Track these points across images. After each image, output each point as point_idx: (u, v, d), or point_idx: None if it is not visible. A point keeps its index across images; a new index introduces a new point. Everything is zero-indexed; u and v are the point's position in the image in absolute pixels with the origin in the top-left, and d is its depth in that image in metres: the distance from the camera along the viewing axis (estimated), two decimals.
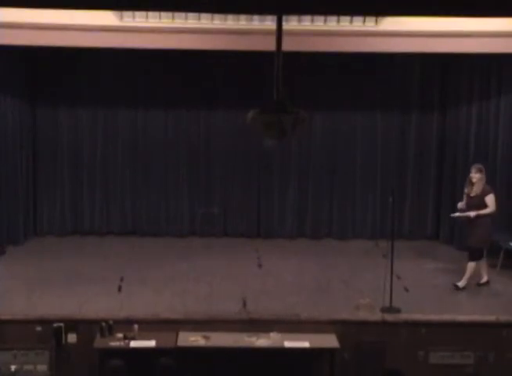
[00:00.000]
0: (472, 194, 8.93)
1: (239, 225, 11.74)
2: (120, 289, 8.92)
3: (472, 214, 8.85)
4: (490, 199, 8.93)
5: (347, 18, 9.11)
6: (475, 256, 8.99)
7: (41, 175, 11.57)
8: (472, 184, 8.95)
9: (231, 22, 9.17)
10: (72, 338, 7.75)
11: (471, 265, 8.96)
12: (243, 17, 9.10)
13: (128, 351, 7.47)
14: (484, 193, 8.92)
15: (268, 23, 8.79)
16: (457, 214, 9.11)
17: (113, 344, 7.51)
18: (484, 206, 8.90)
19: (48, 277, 9.25)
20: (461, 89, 11.07)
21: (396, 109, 11.59)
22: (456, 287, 8.89)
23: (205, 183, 11.72)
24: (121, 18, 9.07)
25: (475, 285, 9.23)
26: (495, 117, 10.60)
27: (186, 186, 11.70)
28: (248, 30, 9.14)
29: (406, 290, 8.63)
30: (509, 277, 9.58)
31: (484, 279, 9.16)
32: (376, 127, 11.63)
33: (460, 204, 9.09)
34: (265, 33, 8.39)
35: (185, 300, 8.57)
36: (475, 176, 8.94)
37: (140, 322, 7.75)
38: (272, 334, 7.65)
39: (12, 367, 7.69)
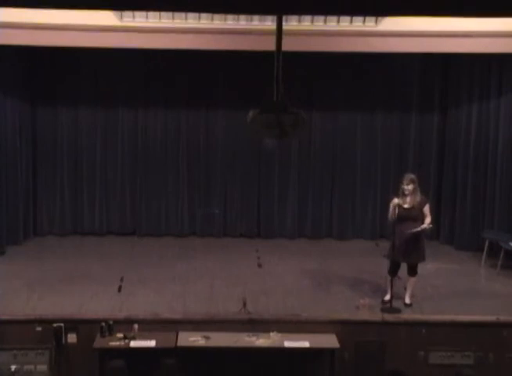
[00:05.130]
0: (406, 206, 8.27)
1: (239, 226, 11.74)
2: (120, 289, 8.92)
3: (429, 226, 8.30)
4: (428, 209, 8.39)
5: (347, 18, 9.11)
6: (417, 270, 8.50)
7: (41, 175, 11.57)
8: (405, 195, 8.30)
9: (231, 22, 9.17)
10: (72, 338, 7.75)
11: (414, 280, 8.49)
12: (243, 17, 9.10)
13: (128, 351, 7.46)
14: (422, 204, 8.35)
15: (268, 23, 8.79)
16: (417, 229, 8.26)
17: (113, 344, 7.51)
18: (422, 217, 8.34)
19: (48, 277, 9.25)
20: (461, 89, 11.07)
21: (396, 109, 11.59)
22: (406, 305, 8.41)
23: (205, 183, 11.72)
24: (121, 18, 9.07)
25: (474, 286, 9.26)
26: (495, 117, 10.60)
27: (186, 186, 11.70)
28: (248, 30, 9.14)
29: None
30: (509, 277, 9.58)
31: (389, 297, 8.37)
32: (376, 127, 11.64)
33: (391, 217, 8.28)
34: (265, 33, 8.39)
35: (185, 300, 8.57)
36: (407, 188, 8.24)
37: (140, 322, 7.75)
38: (272, 334, 7.65)
39: (12, 367, 7.67)
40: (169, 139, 11.64)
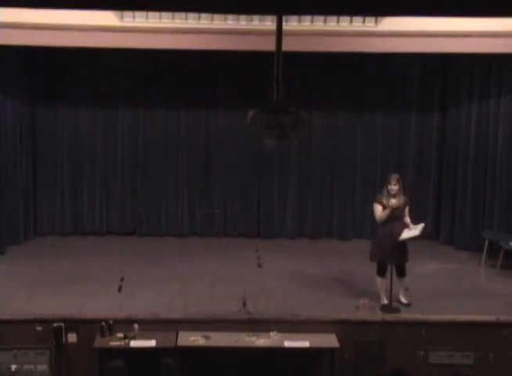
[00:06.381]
0: (394, 206, 8.20)
1: (238, 225, 11.74)
2: (120, 289, 8.91)
3: (421, 225, 8.26)
4: (408, 210, 8.38)
5: (347, 18, 9.11)
6: (405, 270, 8.45)
7: (41, 175, 11.58)
8: (391, 195, 8.25)
9: (231, 22, 9.17)
10: (72, 337, 7.75)
11: (404, 279, 8.45)
12: (243, 17, 9.10)
13: (128, 351, 7.46)
14: (405, 204, 8.35)
15: (268, 23, 8.79)
16: (417, 233, 8.24)
17: (114, 344, 7.51)
18: (403, 216, 8.33)
19: (48, 277, 9.25)
20: (461, 89, 11.07)
21: (396, 109, 11.59)
22: (408, 304, 8.39)
23: (205, 183, 11.72)
24: (121, 18, 9.07)
25: (474, 286, 9.27)
26: (495, 117, 10.61)
27: (186, 186, 11.70)
28: (248, 30, 9.14)
29: (406, 289, 8.61)
30: (509, 277, 9.58)
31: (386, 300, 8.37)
32: (376, 127, 11.64)
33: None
34: (265, 33, 8.39)
35: (185, 300, 8.57)
36: (394, 188, 8.20)
37: (140, 322, 7.75)
38: (272, 334, 7.65)
39: (12, 367, 7.67)
40: (169, 139, 11.65)
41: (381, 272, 8.37)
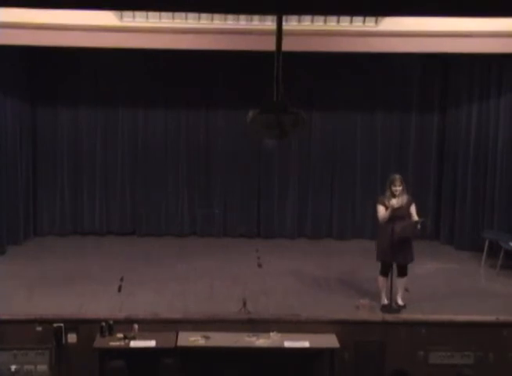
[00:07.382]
0: (396, 206, 8.20)
1: (239, 225, 11.73)
2: (120, 289, 8.92)
3: (420, 219, 8.27)
4: (414, 208, 8.36)
5: (347, 18, 9.11)
6: (406, 271, 8.43)
7: (41, 175, 11.58)
8: (394, 196, 8.25)
9: (231, 22, 9.17)
10: (72, 338, 7.74)
11: (404, 280, 8.41)
12: (243, 17, 9.10)
13: (128, 351, 7.46)
14: (409, 203, 8.32)
15: (268, 23, 8.79)
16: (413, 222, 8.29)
17: (113, 344, 7.50)
18: (409, 216, 8.33)
19: (48, 277, 9.25)
20: (461, 89, 11.07)
21: (396, 109, 11.59)
22: (403, 306, 8.33)
23: (205, 183, 11.73)
24: (121, 18, 9.07)
25: (474, 286, 9.27)
26: (495, 117, 10.61)
27: (186, 186, 11.71)
28: (248, 30, 9.14)
29: (406, 290, 8.61)
30: (509, 277, 9.58)
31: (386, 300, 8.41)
32: (376, 127, 11.64)
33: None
34: (265, 33, 8.39)
35: (185, 300, 8.57)
36: (399, 189, 8.22)
37: (140, 322, 7.75)
38: (272, 334, 7.65)
39: (12, 367, 7.67)
40: (169, 139, 11.65)
41: (384, 271, 8.37)
